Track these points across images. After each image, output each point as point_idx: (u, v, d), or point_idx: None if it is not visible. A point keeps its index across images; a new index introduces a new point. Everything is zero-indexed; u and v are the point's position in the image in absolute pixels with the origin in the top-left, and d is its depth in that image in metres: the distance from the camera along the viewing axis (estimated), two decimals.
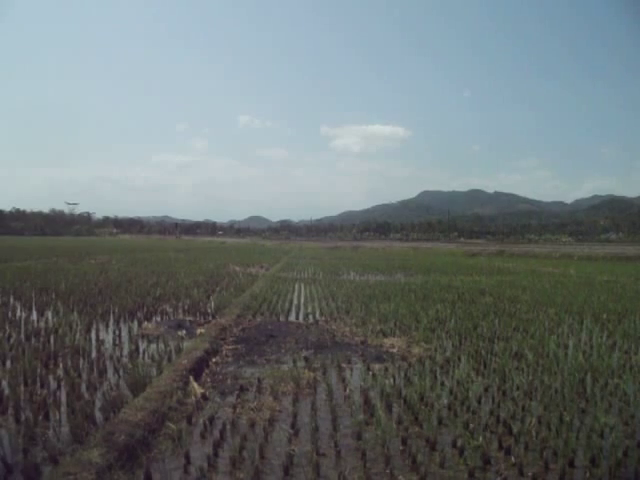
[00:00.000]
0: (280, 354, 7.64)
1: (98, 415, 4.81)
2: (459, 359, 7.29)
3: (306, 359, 7.18)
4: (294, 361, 7.06)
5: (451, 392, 5.68)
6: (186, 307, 11.63)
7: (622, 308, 12.19)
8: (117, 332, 8.75)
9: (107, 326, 9.52)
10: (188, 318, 10.58)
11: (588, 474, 3.85)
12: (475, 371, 6.64)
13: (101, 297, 12.63)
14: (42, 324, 9.18)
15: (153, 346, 7.86)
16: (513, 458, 4.10)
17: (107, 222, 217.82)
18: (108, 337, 8.48)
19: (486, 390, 5.82)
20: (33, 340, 7.91)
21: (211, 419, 4.81)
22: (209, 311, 11.22)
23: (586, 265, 32.11)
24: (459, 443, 4.30)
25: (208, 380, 6.25)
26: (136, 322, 9.93)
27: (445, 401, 5.39)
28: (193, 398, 5.37)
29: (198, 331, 8.94)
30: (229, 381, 6.19)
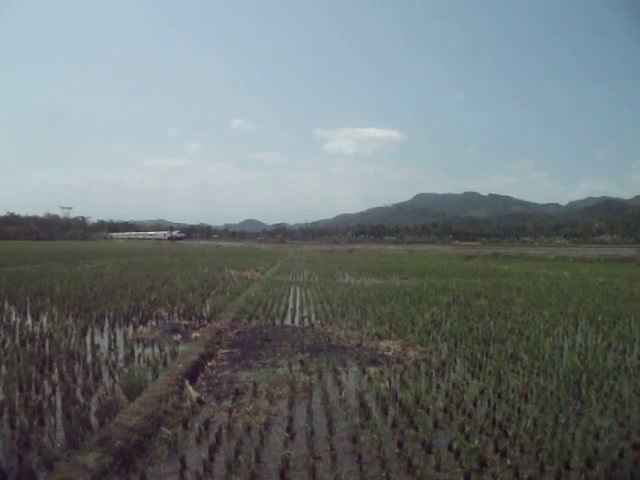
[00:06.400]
0: (276, 358, 7.63)
1: (93, 420, 4.79)
2: (454, 362, 7.30)
3: (302, 363, 7.17)
4: (290, 365, 7.06)
5: (447, 395, 5.69)
6: (181, 311, 11.59)
7: (617, 310, 12.24)
8: (112, 336, 8.72)
9: (102, 330, 9.48)
10: (183, 322, 10.56)
11: (584, 476, 3.86)
12: (470, 374, 6.65)
13: (96, 301, 12.59)
14: (37, 329, 9.15)
15: (148, 350, 7.84)
16: (509, 460, 4.11)
17: (102, 226, 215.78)
18: (103, 342, 8.45)
19: (481, 393, 5.83)
20: (28, 345, 7.87)
21: (207, 423, 4.81)
22: (204, 315, 11.19)
23: (581, 267, 32.22)
24: (455, 446, 4.31)
25: (204, 384, 6.24)
26: (131, 326, 9.90)
27: (441, 404, 5.40)
28: (189, 402, 5.36)
29: (193, 335, 8.93)
30: (225, 385, 6.18)
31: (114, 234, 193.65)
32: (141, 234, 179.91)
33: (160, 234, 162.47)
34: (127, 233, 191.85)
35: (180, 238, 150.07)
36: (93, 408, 5.07)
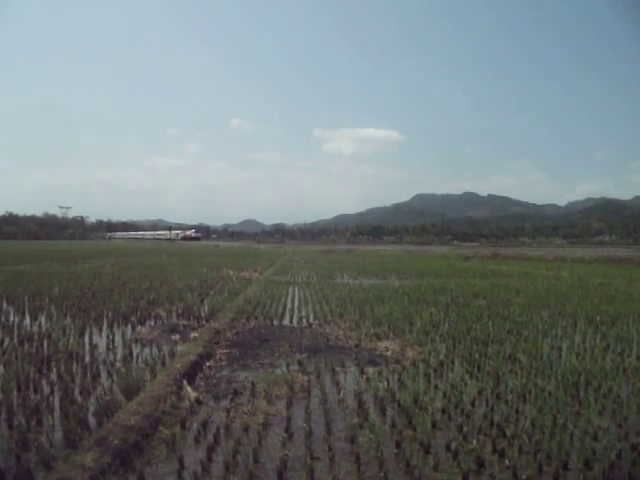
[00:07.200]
0: (274, 358, 7.62)
1: (91, 420, 4.78)
2: (453, 362, 7.30)
3: (300, 363, 7.17)
4: (288, 365, 7.06)
5: (445, 395, 5.69)
6: (180, 311, 11.58)
7: (615, 310, 12.25)
8: (111, 336, 8.71)
9: (101, 330, 9.47)
10: (182, 322, 10.55)
11: (582, 477, 3.86)
12: (469, 374, 6.65)
13: (95, 301, 12.58)
14: (35, 328, 9.13)
15: (147, 350, 7.83)
16: (507, 461, 4.10)
17: (100, 226, 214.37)
18: (102, 341, 8.44)
19: (480, 393, 5.83)
20: (26, 345, 7.85)
21: (205, 423, 4.80)
22: (203, 315, 11.18)
23: (579, 267, 32.23)
24: (453, 446, 4.31)
25: (202, 384, 6.23)
26: (130, 326, 9.89)
27: (439, 404, 5.40)
28: (187, 402, 5.35)
29: (192, 335, 8.92)
30: (223, 385, 6.18)
31: (117, 234, 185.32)
32: (149, 234, 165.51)
33: (171, 234, 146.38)
34: (132, 233, 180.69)
35: (196, 238, 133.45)
36: (91, 408, 5.06)
